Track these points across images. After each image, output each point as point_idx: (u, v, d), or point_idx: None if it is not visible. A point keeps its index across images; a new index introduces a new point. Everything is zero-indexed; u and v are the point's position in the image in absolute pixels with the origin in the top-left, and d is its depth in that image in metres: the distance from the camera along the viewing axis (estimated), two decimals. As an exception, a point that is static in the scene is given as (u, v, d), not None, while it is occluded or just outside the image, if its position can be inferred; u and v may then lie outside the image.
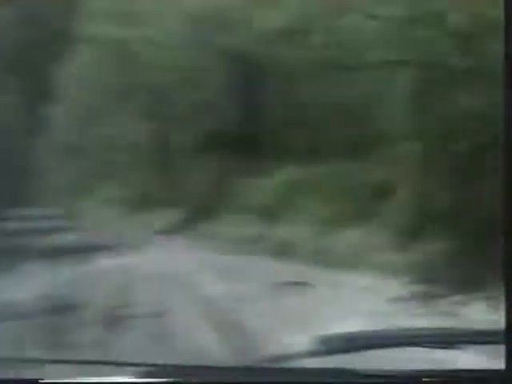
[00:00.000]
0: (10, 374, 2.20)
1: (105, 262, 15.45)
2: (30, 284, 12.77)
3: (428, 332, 2.69)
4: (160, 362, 2.26)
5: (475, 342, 2.35)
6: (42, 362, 2.51)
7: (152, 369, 2.09)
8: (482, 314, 8.37)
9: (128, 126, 28.02)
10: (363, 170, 16.25)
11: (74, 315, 9.81)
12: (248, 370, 2.21)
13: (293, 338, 7.24)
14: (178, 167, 29.32)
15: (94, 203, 35.55)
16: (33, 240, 22.79)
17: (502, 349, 1.87)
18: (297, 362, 2.27)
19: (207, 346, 7.49)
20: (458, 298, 8.93)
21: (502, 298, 1.91)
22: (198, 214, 23.78)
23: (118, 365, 2.34)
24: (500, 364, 1.88)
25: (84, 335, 8.54)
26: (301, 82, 25.37)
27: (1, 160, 35.46)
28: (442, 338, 2.42)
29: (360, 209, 14.90)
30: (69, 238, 23.08)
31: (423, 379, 2.07)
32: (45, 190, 42.93)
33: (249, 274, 12.44)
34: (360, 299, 9.60)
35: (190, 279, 12.41)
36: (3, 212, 34.76)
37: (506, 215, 1.85)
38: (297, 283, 11.11)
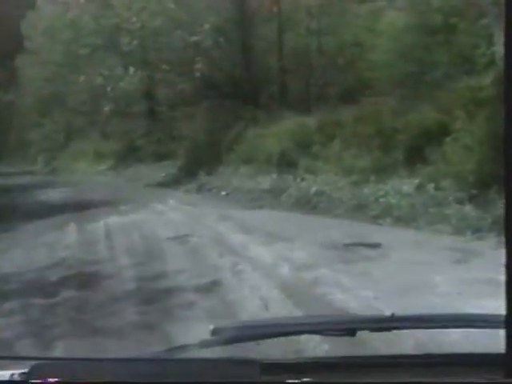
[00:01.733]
0: None
1: (114, 221, 13.61)
2: (39, 247, 11.00)
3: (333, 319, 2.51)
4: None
5: (476, 327, 2.29)
6: None
7: (48, 362, 1.88)
8: None
9: (113, 74, 25.93)
10: (397, 112, 14.53)
11: (102, 288, 8.03)
12: (142, 361, 2.00)
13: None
14: (169, 116, 27.67)
15: (79, 157, 33.74)
16: (19, 197, 21.00)
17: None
18: (192, 352, 2.07)
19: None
20: None
21: None
22: (197, 165, 22.00)
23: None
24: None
25: (123, 314, 6.80)
26: (299, 25, 23.98)
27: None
28: (352, 325, 2.22)
29: (405, 156, 13.13)
30: (58, 195, 21.20)
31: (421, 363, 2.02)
32: (23, 145, 41.11)
33: (295, 233, 10.59)
34: (461, 264, 7.82)
35: (224, 239, 10.57)
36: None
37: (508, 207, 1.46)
38: (367, 245, 9.28)
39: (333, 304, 6.57)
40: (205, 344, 2.13)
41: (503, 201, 1.46)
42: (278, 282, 7.47)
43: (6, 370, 1.84)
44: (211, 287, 7.53)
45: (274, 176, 17.05)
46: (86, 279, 8.44)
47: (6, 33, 39.31)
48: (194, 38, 23.45)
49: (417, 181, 11.93)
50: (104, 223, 13.40)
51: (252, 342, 2.21)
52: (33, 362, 1.75)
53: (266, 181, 16.96)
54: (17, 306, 7.25)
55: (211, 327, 2.12)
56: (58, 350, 5.77)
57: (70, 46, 29.31)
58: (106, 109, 26.91)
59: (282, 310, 6.45)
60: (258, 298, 6.85)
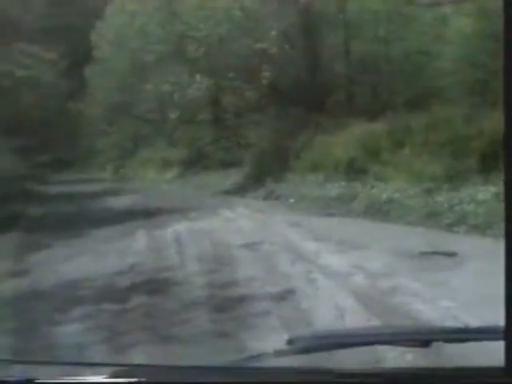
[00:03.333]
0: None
1: (181, 227, 13.57)
2: (109, 253, 11.02)
3: (404, 330, 2.64)
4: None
5: (475, 340, 2.27)
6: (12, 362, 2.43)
7: (127, 369, 2.05)
8: None
9: (180, 82, 26.02)
10: (470, 119, 14.20)
11: (173, 295, 7.96)
12: (219, 369, 2.10)
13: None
14: (235, 124, 27.64)
15: (147, 165, 33.98)
16: (89, 204, 21.20)
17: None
18: (269, 361, 2.11)
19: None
20: None
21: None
22: (264, 173, 21.89)
23: (95, 365, 2.38)
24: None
25: (195, 322, 6.69)
26: (363, 32, 23.73)
27: (46, 123, 34.32)
28: (425, 336, 2.27)
29: (479, 164, 12.78)
30: (126, 202, 21.31)
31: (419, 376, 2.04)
32: (92, 153, 41.60)
33: (368, 241, 10.36)
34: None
35: (296, 247, 10.40)
36: (50, 176, 33.59)
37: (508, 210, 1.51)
38: (443, 253, 9.00)
39: (411, 314, 6.35)
40: (280, 353, 2.17)
41: None
42: (353, 291, 7.29)
43: (84, 375, 1.87)
44: (285, 295, 7.39)
45: (343, 183, 16.83)
46: (156, 286, 8.38)
47: (75, 43, 39.95)
48: (260, 45, 23.40)
49: (494, 188, 11.57)
50: (173, 230, 13.36)
51: (327, 351, 2.22)
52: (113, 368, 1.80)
53: (335, 188, 16.75)
54: (89, 312, 7.23)
55: (287, 337, 2.16)
56: (131, 357, 5.70)
57: (136, 54, 29.58)
58: (173, 116, 27.01)
59: (358, 319, 6.27)
60: (332, 307, 6.68)
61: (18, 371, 2.05)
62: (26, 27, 29.01)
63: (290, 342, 2.21)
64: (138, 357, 5.66)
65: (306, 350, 2.19)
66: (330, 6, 24.35)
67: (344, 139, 18.68)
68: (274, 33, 23.43)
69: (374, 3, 22.27)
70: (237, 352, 5.59)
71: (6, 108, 26.42)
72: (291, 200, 17.79)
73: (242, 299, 7.38)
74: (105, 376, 1.88)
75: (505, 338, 1.62)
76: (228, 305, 7.22)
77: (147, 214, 16.71)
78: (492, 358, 2.54)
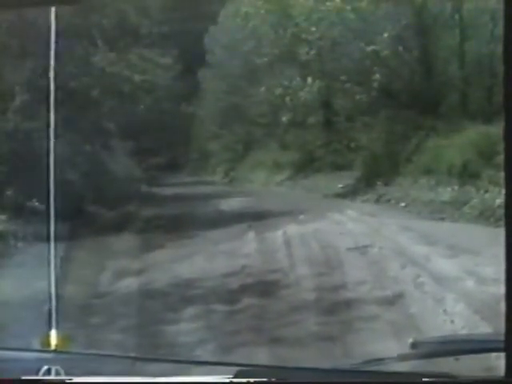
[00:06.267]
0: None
1: (293, 230, 13.63)
2: (219, 254, 11.19)
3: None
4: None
5: (475, 351, 2.23)
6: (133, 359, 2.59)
7: (243, 369, 1.96)
8: None
9: (292, 85, 26.16)
10: None
11: (282, 297, 8.03)
12: (339, 372, 2.08)
13: None
14: (346, 127, 27.54)
15: (258, 167, 34.28)
16: (199, 206, 21.53)
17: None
18: (390, 365, 2.04)
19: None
20: None
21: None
22: (375, 176, 21.75)
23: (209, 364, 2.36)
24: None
25: (303, 325, 6.74)
26: (479, 32, 23.21)
27: (160, 126, 35.03)
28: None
29: None
30: (236, 204, 21.56)
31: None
32: (203, 155, 42.22)
33: (480, 246, 10.15)
34: None
35: (406, 251, 10.30)
36: (163, 178, 34.27)
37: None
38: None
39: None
40: (403, 357, 2.11)
41: None
42: (464, 296, 7.17)
43: (209, 375, 1.92)
44: (393, 300, 7.34)
45: (456, 187, 16.54)
46: (265, 288, 8.47)
47: (189, 48, 40.57)
48: (372, 48, 23.26)
49: None
50: (283, 232, 13.41)
51: (451, 357, 2.17)
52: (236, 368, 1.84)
53: (447, 192, 16.49)
54: (199, 312, 7.38)
55: (410, 340, 2.09)
56: (238, 357, 5.78)
57: (248, 57, 29.86)
58: (284, 119, 27.14)
59: (468, 325, 6.17)
60: (442, 312, 6.60)
61: None
62: (143, 33, 29.69)
63: (413, 345, 2.15)
64: (245, 357, 5.74)
65: (431, 355, 2.15)
66: (445, 6, 23.94)
67: (458, 142, 18.35)
68: (386, 35, 23.22)
69: (491, 2, 21.75)
70: (342, 355, 5.60)
71: (124, 112, 27.09)
72: (402, 204, 17.62)
73: (350, 303, 7.38)
74: (226, 376, 1.89)
75: (505, 350, 1.60)
76: (336, 308, 7.23)
77: (257, 217, 16.82)
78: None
